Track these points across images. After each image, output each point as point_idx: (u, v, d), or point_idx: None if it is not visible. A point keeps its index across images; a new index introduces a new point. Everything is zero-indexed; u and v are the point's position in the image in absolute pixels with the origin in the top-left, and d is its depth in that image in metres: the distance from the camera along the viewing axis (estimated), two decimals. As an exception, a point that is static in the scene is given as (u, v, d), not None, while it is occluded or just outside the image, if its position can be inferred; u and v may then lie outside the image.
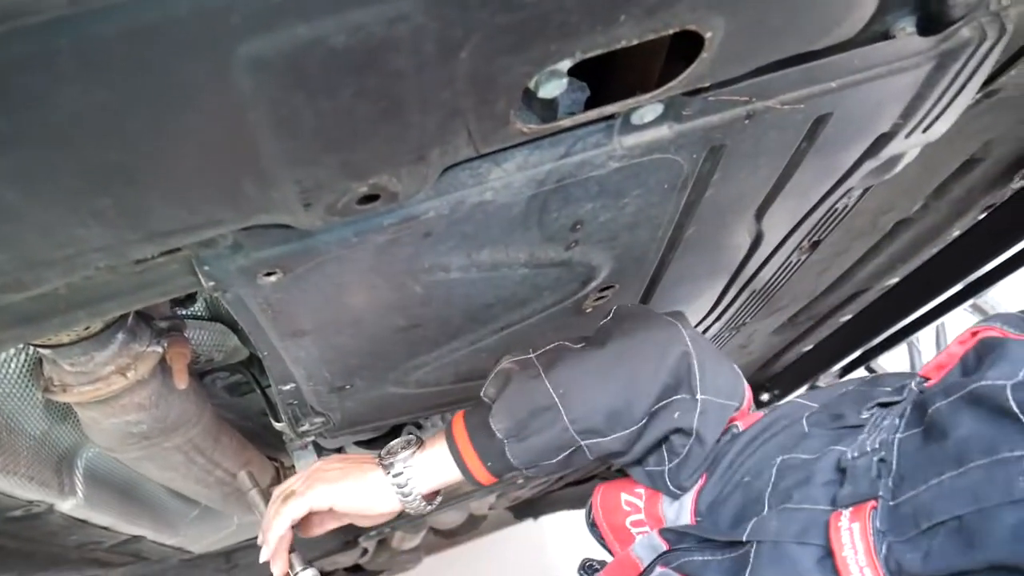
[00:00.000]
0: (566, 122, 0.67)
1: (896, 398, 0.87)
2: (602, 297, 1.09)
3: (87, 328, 0.80)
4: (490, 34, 0.52)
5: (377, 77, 0.51)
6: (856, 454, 0.83)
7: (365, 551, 3.20)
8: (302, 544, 1.13)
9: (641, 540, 1.08)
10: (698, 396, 0.99)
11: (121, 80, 0.44)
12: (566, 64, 0.60)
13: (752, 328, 1.84)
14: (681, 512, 1.04)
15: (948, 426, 0.73)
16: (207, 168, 0.54)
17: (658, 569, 1.00)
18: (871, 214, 1.32)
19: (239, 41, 0.44)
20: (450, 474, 1.05)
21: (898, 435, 0.80)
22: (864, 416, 0.89)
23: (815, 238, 1.28)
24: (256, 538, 1.13)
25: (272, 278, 0.73)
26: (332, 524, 1.14)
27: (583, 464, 1.07)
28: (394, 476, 1.04)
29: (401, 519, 1.22)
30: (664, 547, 1.02)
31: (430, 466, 1.05)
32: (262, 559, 1.07)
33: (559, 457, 1.03)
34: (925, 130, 0.95)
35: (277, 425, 1.22)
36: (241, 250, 0.69)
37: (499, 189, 0.74)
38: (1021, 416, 0.67)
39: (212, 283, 0.71)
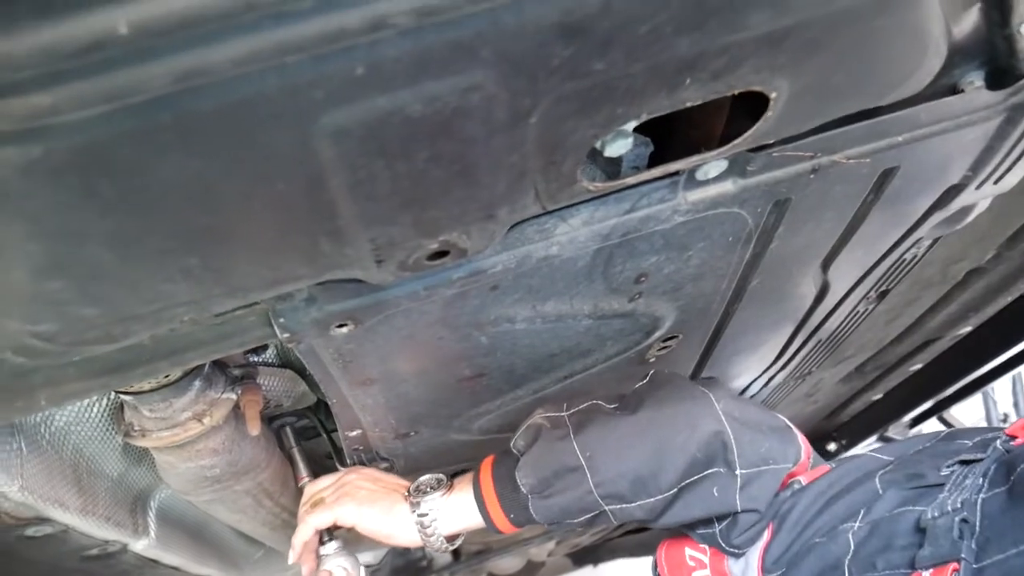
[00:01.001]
0: (631, 179, 0.69)
1: (979, 455, 0.84)
2: (665, 347, 1.09)
3: (167, 376, 0.84)
4: (558, 100, 0.53)
5: (450, 143, 0.53)
6: (937, 514, 0.80)
7: (422, 595, 3.20)
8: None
9: (715, 599, 1.06)
10: (737, 471, 0.98)
11: (215, 150, 0.47)
12: (632, 125, 0.62)
13: (818, 377, 1.80)
14: (747, 570, 1.02)
15: None
16: (289, 229, 0.57)
17: (729, 630, 0.99)
18: (941, 263, 1.30)
19: (323, 113, 0.47)
20: (473, 520, 1.08)
21: (982, 495, 0.77)
22: (944, 474, 0.86)
23: (883, 288, 1.26)
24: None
25: (344, 330, 0.75)
26: None
27: (607, 527, 1.07)
28: (419, 515, 1.06)
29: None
30: (737, 607, 1.01)
31: (455, 510, 1.07)
32: (290, 562, 1.13)
33: (582, 518, 1.03)
34: (996, 182, 0.93)
35: (341, 470, 1.24)
36: (315, 303, 0.72)
37: (565, 244, 0.75)
38: None
39: (287, 335, 0.74)
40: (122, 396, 0.87)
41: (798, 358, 1.48)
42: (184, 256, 0.56)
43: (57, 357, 0.65)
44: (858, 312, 1.34)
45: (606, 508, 1.01)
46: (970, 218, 1.03)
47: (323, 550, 1.16)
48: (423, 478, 1.11)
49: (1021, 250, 1.39)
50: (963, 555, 0.74)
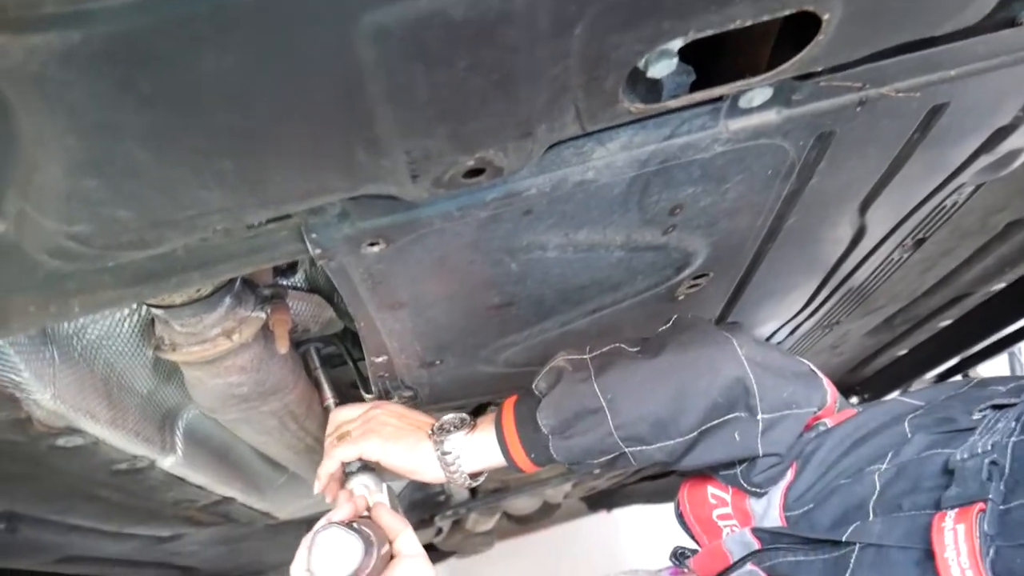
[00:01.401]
0: (674, 103, 0.67)
1: (1013, 400, 0.83)
2: (695, 285, 1.08)
3: (198, 291, 0.84)
4: (605, 10, 0.52)
5: (492, 50, 0.51)
6: (966, 455, 0.79)
7: (440, 530, 3.26)
8: None
9: (733, 536, 1.07)
10: (759, 416, 0.99)
11: (252, 46, 0.46)
12: (677, 43, 0.60)
13: (845, 328, 1.79)
14: (769, 508, 1.02)
15: None
16: (325, 135, 0.56)
17: (748, 566, 0.99)
18: (981, 212, 1.27)
19: (365, 11, 0.45)
20: (494, 459, 1.09)
21: (1013, 438, 0.76)
22: (975, 418, 0.85)
23: (920, 236, 1.23)
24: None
25: (375, 248, 0.75)
26: None
27: (628, 468, 1.08)
28: (443, 453, 1.08)
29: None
30: (756, 545, 1.01)
31: (477, 449, 1.09)
32: (315, 492, 1.16)
33: (602, 459, 1.04)
34: (1048, 124, 0.90)
35: (367, 397, 1.25)
36: (348, 219, 0.71)
37: (601, 168, 0.74)
38: None
39: (319, 250, 0.73)
40: (153, 310, 0.87)
41: (827, 306, 1.47)
42: (218, 159, 0.55)
43: (92, 262, 0.66)
44: (892, 260, 1.31)
45: (626, 450, 1.02)
46: (1017, 163, 1.00)
47: (347, 468, 1.18)
48: (447, 417, 1.13)
49: (1063, 202, 1.36)
50: (991, 496, 0.73)
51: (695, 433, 1.00)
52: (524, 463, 1.08)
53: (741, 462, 1.05)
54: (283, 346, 0.94)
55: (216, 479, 1.39)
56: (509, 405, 1.10)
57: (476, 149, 0.62)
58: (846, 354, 2.11)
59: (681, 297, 1.11)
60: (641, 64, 0.61)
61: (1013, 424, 0.78)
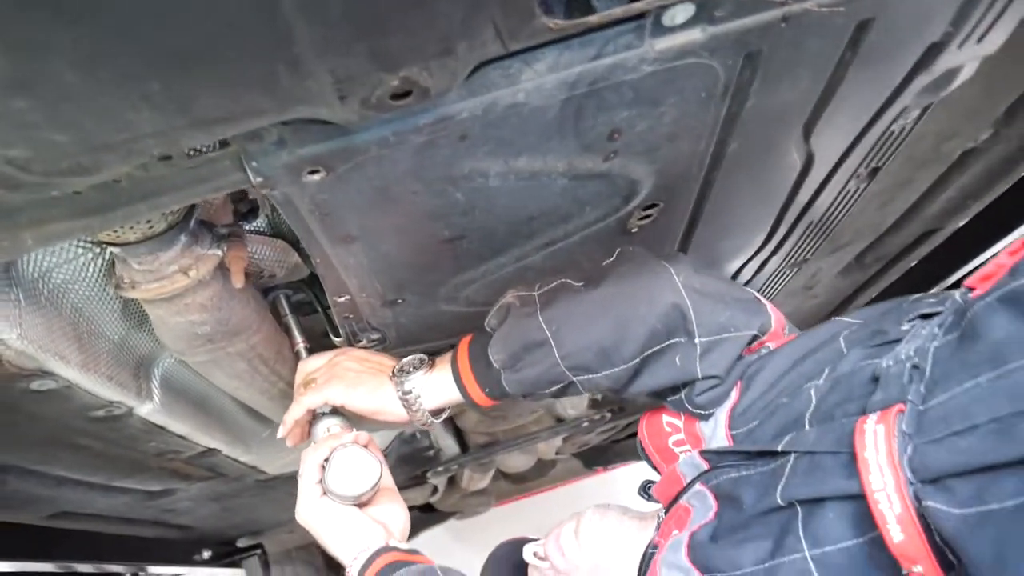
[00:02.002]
0: (594, 19, 0.69)
1: (939, 308, 0.86)
2: (647, 216, 1.11)
3: (151, 227, 0.87)
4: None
5: (399, -40, 0.54)
6: (891, 362, 0.83)
7: (435, 489, 3.31)
8: None
9: (685, 458, 1.11)
10: (697, 340, 1.04)
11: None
12: (591, -43, 0.62)
13: (815, 267, 1.81)
14: (716, 429, 1.06)
15: (984, 328, 0.73)
16: (245, 53, 0.58)
17: (697, 486, 1.04)
18: (933, 139, 1.28)
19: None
20: (452, 395, 1.16)
21: (935, 343, 0.79)
22: (904, 328, 0.88)
23: (873, 164, 1.25)
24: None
25: (316, 176, 0.78)
26: None
27: (579, 396, 1.13)
28: (404, 393, 1.15)
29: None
30: (705, 466, 1.05)
31: (436, 387, 1.16)
32: (278, 436, 1.25)
33: (552, 389, 1.11)
34: (980, 40, 0.92)
35: (336, 340, 1.29)
36: (285, 146, 0.74)
37: (531, 91, 0.76)
38: None
39: (260, 179, 0.76)
40: (112, 249, 0.90)
41: (791, 241, 1.49)
42: (145, 81, 0.57)
43: (36, 190, 0.68)
44: (849, 191, 1.33)
45: (574, 379, 1.08)
46: (956, 83, 1.02)
47: (317, 412, 1.22)
48: (406, 359, 1.20)
49: (1018, 129, 1.38)
50: (910, 397, 0.76)
51: (638, 360, 1.05)
52: (480, 398, 1.13)
53: (684, 386, 1.09)
54: (238, 281, 0.96)
55: (197, 428, 1.43)
56: (464, 343, 1.16)
57: (399, 67, 0.65)
58: (821, 296, 2.14)
59: (634, 229, 1.14)
60: (558, -21, 0.63)
61: (936, 330, 0.81)
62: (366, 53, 0.62)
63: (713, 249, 1.38)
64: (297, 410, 1.19)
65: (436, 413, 1.19)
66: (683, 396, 1.11)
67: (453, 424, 2.48)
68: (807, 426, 0.89)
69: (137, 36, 0.54)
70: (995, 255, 0.82)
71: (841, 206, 1.40)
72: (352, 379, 1.18)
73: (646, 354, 1.06)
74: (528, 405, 2.32)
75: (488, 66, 0.73)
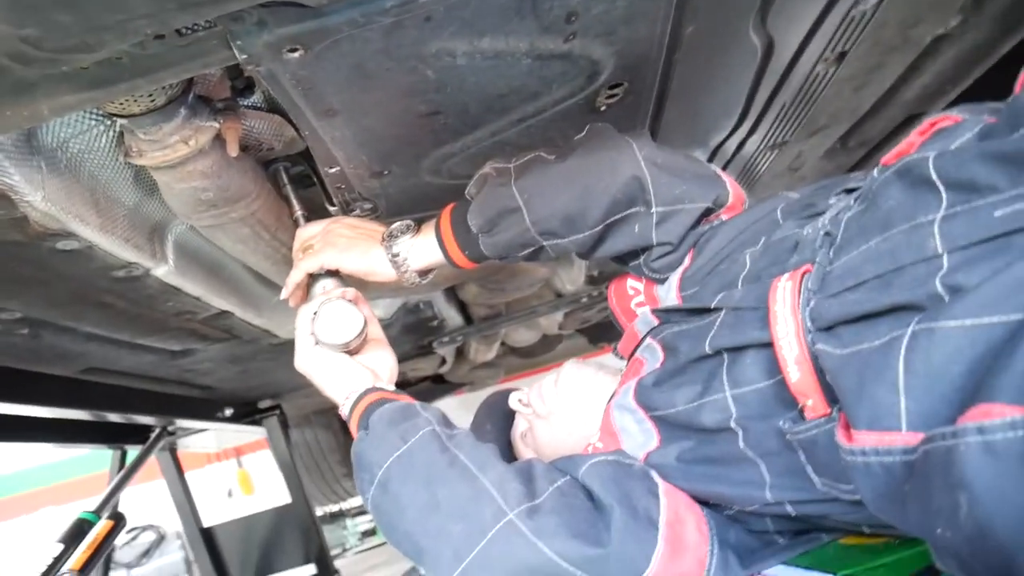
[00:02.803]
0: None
1: (860, 183, 0.95)
2: (613, 95, 1.19)
3: (153, 101, 0.97)
4: None
5: None
6: (809, 230, 0.93)
7: (443, 361, 3.50)
8: None
9: (640, 317, 1.24)
10: (653, 209, 1.14)
11: None
12: None
13: (796, 149, 1.88)
14: (669, 291, 1.18)
15: (880, 198, 0.83)
16: (219, -58, 0.67)
17: (648, 340, 1.16)
18: (897, 26, 1.33)
19: None
20: (435, 257, 1.26)
21: (848, 213, 0.89)
22: (831, 201, 0.98)
23: (839, 49, 1.31)
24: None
25: (295, 54, 0.87)
26: None
27: (550, 260, 1.25)
28: (392, 255, 1.25)
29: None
30: (655, 322, 1.17)
31: (421, 249, 1.26)
32: (280, 297, 1.35)
33: (525, 252, 1.22)
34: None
35: (331, 209, 1.40)
36: (266, 27, 0.83)
37: (487, -26, 0.84)
38: (938, 183, 0.75)
39: (245, 56, 0.85)
40: (120, 121, 1.00)
41: (765, 122, 1.56)
42: (133, -34, 0.67)
43: (48, 66, 0.78)
44: (818, 74, 1.40)
45: (544, 243, 1.19)
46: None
47: (315, 274, 1.33)
48: (394, 224, 1.29)
49: (990, 16, 1.42)
50: (818, 259, 0.87)
51: (601, 227, 1.15)
52: (460, 259, 1.24)
53: (643, 252, 1.20)
54: (233, 151, 1.07)
55: (210, 290, 1.56)
56: (447, 210, 1.25)
57: (358, -48, 0.73)
58: (809, 178, 2.20)
59: (603, 108, 1.22)
60: None
61: (851, 202, 0.90)
62: (327, -58, 0.70)
63: (685, 128, 1.46)
64: (296, 274, 1.31)
65: (422, 274, 1.30)
66: (642, 261, 1.23)
67: (455, 297, 2.61)
68: (739, 286, 1.00)
69: (125, -72, 0.62)
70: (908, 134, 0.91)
71: (813, 89, 1.46)
72: (345, 244, 1.28)
73: (608, 221, 1.16)
74: (526, 279, 2.45)
75: (446, -47, 0.80)
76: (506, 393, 1.53)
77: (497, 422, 1.50)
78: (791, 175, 2.13)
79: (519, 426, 1.44)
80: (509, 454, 1.50)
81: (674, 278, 1.17)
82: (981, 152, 0.71)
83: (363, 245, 1.28)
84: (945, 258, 0.70)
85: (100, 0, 0.69)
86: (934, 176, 0.76)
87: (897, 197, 0.80)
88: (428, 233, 1.26)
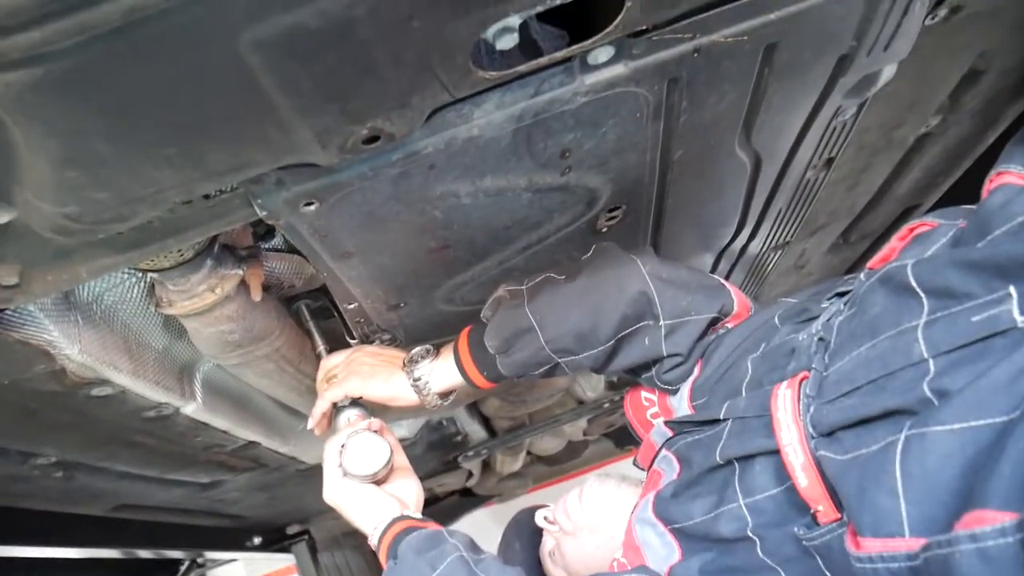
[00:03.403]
0: (522, 68, 0.83)
1: (850, 287, 1.00)
2: (613, 217, 1.25)
3: (181, 255, 1.04)
4: (433, 5, 0.69)
5: (349, 47, 0.69)
6: (804, 336, 0.97)
7: (470, 474, 3.49)
8: None
9: (655, 429, 1.26)
10: (662, 322, 1.19)
11: (166, 64, 0.64)
12: (513, 21, 0.77)
13: (799, 248, 1.94)
14: (681, 402, 1.21)
15: (867, 304, 0.87)
16: (241, 121, 0.74)
17: (663, 452, 1.19)
18: (879, 130, 1.41)
19: (241, 31, 0.63)
20: (455, 378, 1.30)
21: (840, 318, 0.93)
22: (824, 306, 1.02)
23: (825, 156, 1.38)
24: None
25: (312, 207, 0.94)
26: None
27: (565, 375, 1.31)
28: (414, 380, 1.30)
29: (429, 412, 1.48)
30: (669, 434, 1.20)
31: (441, 372, 1.30)
32: (308, 427, 1.41)
33: (541, 370, 1.26)
34: (886, 48, 1.04)
35: (352, 342, 1.45)
36: (284, 186, 0.90)
37: (483, 126, 0.91)
38: (918, 289, 0.80)
39: (265, 212, 0.92)
40: (150, 275, 1.07)
41: (764, 227, 1.62)
42: (164, 147, 0.74)
43: (86, 235, 0.85)
44: (809, 180, 1.46)
45: (559, 360, 1.23)
46: (880, 84, 1.14)
47: (338, 404, 1.38)
48: (415, 350, 1.35)
49: (968, 112, 1.49)
50: (814, 365, 0.90)
51: (612, 342, 1.19)
52: (479, 380, 1.28)
53: (654, 364, 1.23)
54: (257, 295, 1.13)
55: (237, 423, 1.61)
56: (464, 334, 1.30)
57: (365, 120, 0.80)
58: (816, 273, 2.25)
59: (604, 229, 1.28)
60: (490, 40, 0.78)
61: (842, 306, 0.95)
62: (336, 112, 0.77)
63: (685, 239, 1.52)
64: (321, 404, 1.36)
65: (444, 396, 1.34)
66: (654, 373, 1.26)
67: (478, 411, 2.64)
68: (743, 394, 1.03)
69: (153, 117, 0.70)
70: (889, 240, 0.96)
71: (806, 193, 1.52)
72: (367, 372, 1.34)
73: (619, 336, 1.20)
74: (546, 390, 2.47)
75: (443, 110, 0.88)
76: (532, 511, 1.54)
77: (525, 541, 1.51)
78: (798, 272, 2.18)
79: (547, 544, 1.45)
80: (538, 573, 1.50)
81: (685, 388, 1.21)
82: (954, 260, 0.76)
83: (385, 372, 1.33)
84: (931, 363, 0.73)
85: (134, 177, 0.77)
86: (914, 283, 0.80)
87: (882, 303, 0.85)
88: (447, 356, 1.31)
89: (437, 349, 1.34)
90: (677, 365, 1.22)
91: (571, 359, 1.22)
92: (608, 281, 1.19)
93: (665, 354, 1.21)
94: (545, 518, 1.45)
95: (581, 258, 1.24)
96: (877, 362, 0.80)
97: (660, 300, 1.17)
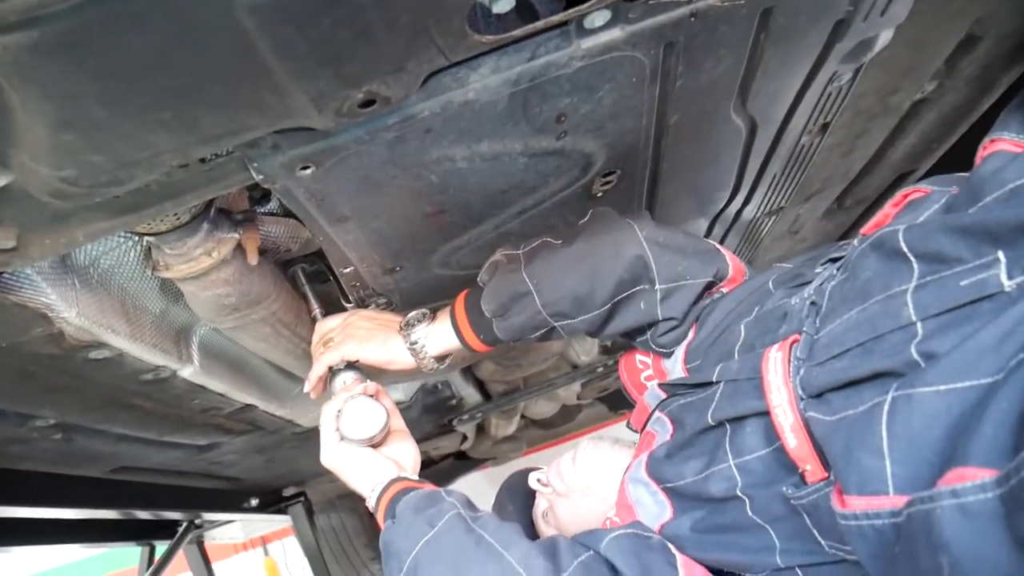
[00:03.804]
0: (518, 32, 0.83)
1: (843, 253, 1.00)
2: (607, 182, 1.25)
3: (178, 218, 1.04)
4: (429, -31, 0.68)
5: (345, 10, 0.69)
6: (796, 300, 0.98)
7: (465, 437, 3.52)
8: None
9: (649, 391, 1.28)
10: (657, 286, 1.20)
11: (161, 27, 0.64)
12: (510, -16, 0.76)
13: (794, 213, 1.94)
14: (675, 365, 1.22)
15: (858, 269, 0.88)
16: (236, 84, 0.74)
17: (656, 413, 1.20)
18: (875, 95, 1.41)
19: (236, -7, 0.63)
20: (452, 342, 1.31)
21: (832, 283, 0.94)
22: (817, 271, 1.03)
23: (820, 121, 1.38)
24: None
25: (308, 171, 0.94)
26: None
27: (560, 339, 1.31)
28: (411, 344, 1.32)
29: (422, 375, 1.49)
30: (663, 396, 1.21)
31: (438, 336, 1.31)
32: (305, 391, 1.40)
33: (537, 333, 1.27)
34: (883, 13, 1.04)
35: (348, 306, 1.46)
36: (280, 150, 0.90)
37: (479, 90, 0.90)
38: (908, 254, 0.81)
39: (261, 176, 0.92)
40: (147, 239, 1.08)
41: (759, 192, 1.62)
42: (159, 111, 0.74)
43: (83, 199, 0.85)
44: (804, 145, 1.46)
45: (555, 324, 1.24)
46: (876, 49, 1.14)
47: (334, 368, 1.38)
48: (411, 314, 1.35)
49: (964, 78, 1.49)
50: (805, 329, 0.91)
51: (608, 306, 1.20)
52: (475, 343, 1.29)
53: (650, 328, 1.24)
54: (253, 259, 1.14)
55: (234, 387, 1.62)
56: (460, 297, 1.31)
57: (361, 84, 0.80)
58: (810, 239, 2.26)
59: (599, 194, 1.28)
60: (486, 3, 0.78)
61: (835, 271, 0.96)
62: (331, 76, 0.77)
63: (680, 204, 1.52)
64: (317, 368, 1.36)
65: (440, 359, 1.35)
66: (649, 337, 1.27)
67: (472, 375, 2.66)
68: (735, 357, 1.05)
69: (148, 80, 0.70)
70: (883, 207, 0.97)
71: (801, 158, 1.52)
72: (363, 336, 1.34)
73: (615, 300, 1.21)
74: (541, 354, 2.49)
75: (439, 74, 0.88)
76: (525, 473, 1.56)
77: (518, 502, 1.53)
78: (792, 237, 2.19)
79: (539, 505, 1.47)
80: (531, 533, 1.52)
81: (679, 351, 1.22)
82: (945, 225, 0.77)
83: (381, 336, 1.34)
84: (919, 326, 0.74)
85: (130, 141, 0.77)
86: (905, 248, 0.81)
87: (874, 268, 0.86)
88: (444, 320, 1.32)
89: (433, 313, 1.35)
90: (672, 328, 1.23)
91: (567, 323, 1.23)
92: (604, 246, 1.20)
93: (660, 318, 1.22)
94: (539, 480, 1.47)
95: (578, 223, 1.25)
96: (867, 325, 0.81)
97: (656, 265, 1.18)
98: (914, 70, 1.37)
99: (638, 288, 1.21)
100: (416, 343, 1.32)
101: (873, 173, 1.84)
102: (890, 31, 1.11)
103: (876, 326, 0.80)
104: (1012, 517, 0.55)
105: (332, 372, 1.38)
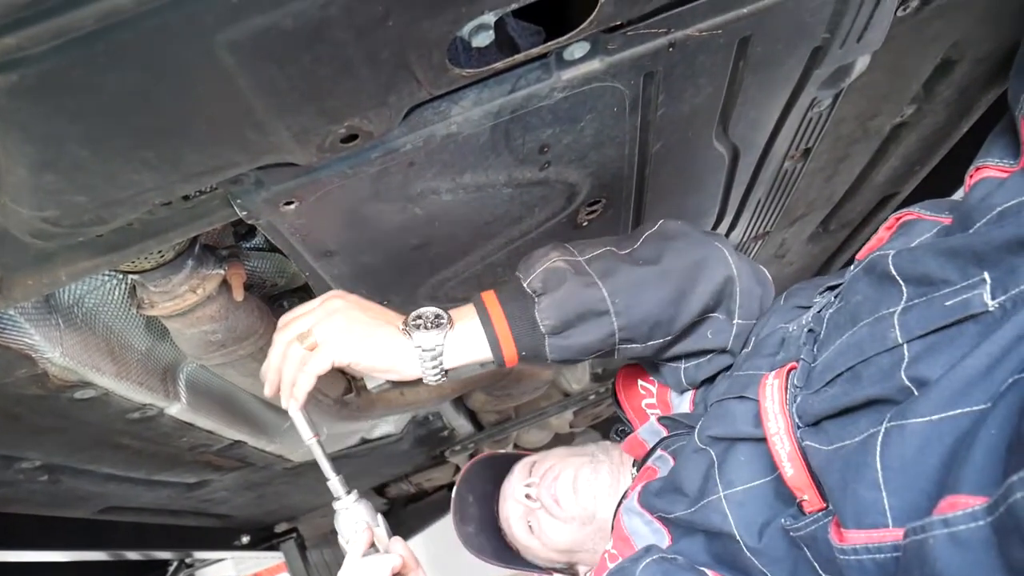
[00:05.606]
0: (498, 65, 0.84)
1: (841, 280, 1.01)
2: (593, 211, 1.26)
3: (162, 256, 1.04)
4: (407, 4, 0.69)
5: (325, 47, 0.69)
6: (794, 328, 0.98)
7: (458, 468, 3.49)
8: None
9: (645, 427, 1.27)
10: (735, 320, 1.11)
11: (142, 67, 0.64)
12: (488, 18, 0.77)
13: (780, 237, 1.95)
14: (683, 401, 1.21)
15: (850, 293, 0.88)
16: (217, 122, 0.74)
17: (658, 452, 1.19)
18: (856, 120, 1.42)
19: (216, 32, 0.63)
20: (480, 354, 1.06)
21: (829, 310, 0.95)
22: (816, 299, 1.03)
23: (802, 146, 1.39)
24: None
25: (291, 207, 0.94)
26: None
27: (581, 371, 1.26)
28: (424, 349, 1.04)
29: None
30: (664, 432, 1.21)
31: (462, 343, 1.06)
32: (283, 405, 1.09)
33: (591, 357, 1.11)
34: (859, 40, 1.05)
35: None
36: (263, 186, 0.90)
37: (461, 122, 0.91)
38: (897, 277, 0.81)
39: (245, 212, 0.92)
40: (132, 277, 1.07)
41: (744, 218, 1.63)
42: (141, 150, 0.74)
43: (66, 239, 0.85)
44: (787, 170, 1.47)
45: (619, 347, 1.09)
46: (854, 75, 1.16)
47: (336, 505, 1.18)
48: (421, 311, 1.08)
49: (942, 102, 1.51)
50: (802, 356, 0.91)
51: (680, 332, 1.11)
52: (511, 356, 1.07)
53: (690, 359, 1.19)
54: (239, 295, 1.13)
55: (222, 423, 1.61)
56: (492, 301, 1.07)
57: (342, 119, 0.80)
58: (796, 263, 2.27)
59: (585, 223, 1.29)
60: (466, 37, 0.79)
61: (832, 299, 0.96)
62: (313, 112, 0.77)
63: (666, 232, 1.52)
64: (305, 381, 1.05)
65: (447, 372, 1.09)
66: (683, 368, 1.19)
67: (464, 405, 2.64)
68: (731, 377, 1.05)
69: (130, 120, 0.70)
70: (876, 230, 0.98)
71: (784, 183, 1.53)
72: (361, 332, 1.03)
73: (689, 325, 1.11)
74: (531, 383, 2.48)
75: (421, 107, 0.88)
76: (496, 463, 1.53)
77: (478, 494, 1.51)
78: (778, 261, 2.20)
79: (517, 511, 1.45)
80: (493, 529, 1.51)
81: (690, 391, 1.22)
82: (933, 248, 0.77)
83: (383, 336, 1.05)
84: (905, 348, 0.75)
85: (112, 181, 0.77)
86: (894, 271, 0.81)
87: (864, 292, 0.86)
88: (471, 327, 1.06)
89: (449, 315, 1.09)
90: (727, 367, 1.16)
91: (631, 347, 1.09)
92: (695, 265, 1.08)
93: (731, 347, 1.13)
94: (528, 496, 1.43)
95: (645, 233, 1.13)
96: (854, 349, 0.82)
97: (741, 295, 1.09)
98: (893, 95, 1.39)
99: (712, 316, 1.12)
100: (432, 350, 1.04)
101: (857, 196, 1.85)
102: (867, 57, 1.13)
103: (863, 350, 0.80)
104: (1004, 544, 0.55)
105: (335, 508, 1.16)
